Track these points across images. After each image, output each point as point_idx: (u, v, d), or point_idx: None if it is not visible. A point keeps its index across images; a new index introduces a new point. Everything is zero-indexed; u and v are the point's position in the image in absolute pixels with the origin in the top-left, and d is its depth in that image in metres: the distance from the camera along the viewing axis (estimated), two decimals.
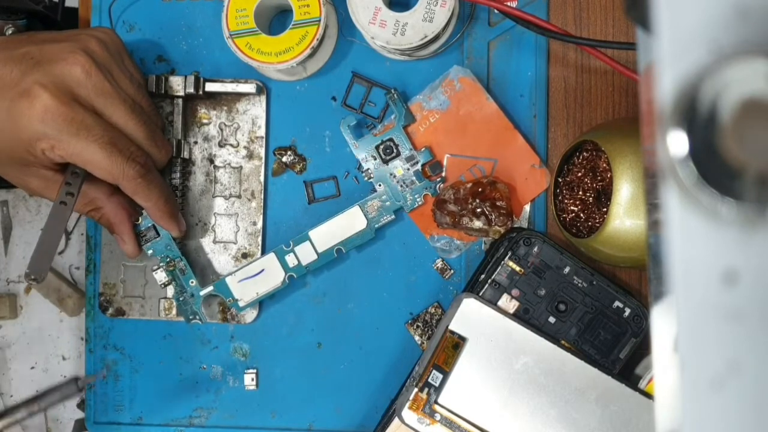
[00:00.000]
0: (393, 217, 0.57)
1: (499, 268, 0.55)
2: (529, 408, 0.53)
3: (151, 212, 0.55)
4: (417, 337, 0.58)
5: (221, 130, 0.59)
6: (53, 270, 0.62)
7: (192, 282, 0.58)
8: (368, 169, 0.58)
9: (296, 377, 0.59)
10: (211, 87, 0.58)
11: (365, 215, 0.57)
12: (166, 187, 0.55)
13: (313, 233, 0.57)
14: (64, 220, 0.51)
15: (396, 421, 0.54)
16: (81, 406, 0.62)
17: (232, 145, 0.59)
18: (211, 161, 0.59)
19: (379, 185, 0.57)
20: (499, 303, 0.55)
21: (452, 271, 0.58)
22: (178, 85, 0.58)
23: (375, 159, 0.57)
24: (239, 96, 0.59)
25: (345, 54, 0.59)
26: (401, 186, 0.57)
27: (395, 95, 0.57)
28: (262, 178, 0.59)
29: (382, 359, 0.58)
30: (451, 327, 0.53)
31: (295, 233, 0.58)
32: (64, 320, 0.63)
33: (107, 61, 0.51)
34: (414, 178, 0.57)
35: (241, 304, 0.57)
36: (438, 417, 0.53)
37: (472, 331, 0.53)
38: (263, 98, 0.59)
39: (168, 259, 0.57)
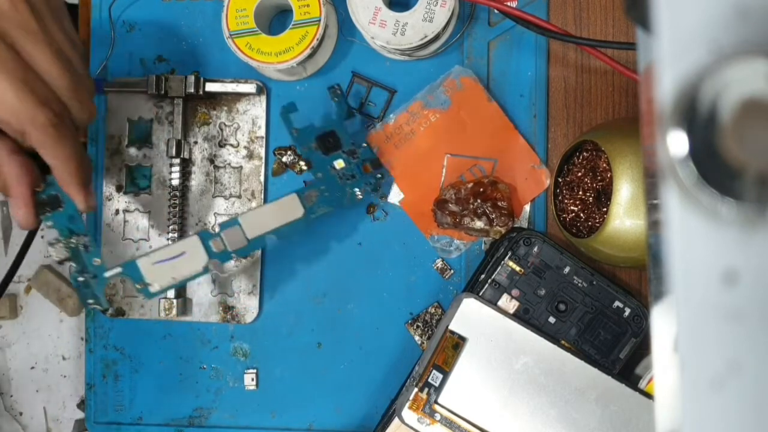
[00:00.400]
0: (331, 208, 0.55)
1: (499, 268, 0.55)
2: (529, 408, 0.53)
3: (58, 173, 0.48)
4: (417, 337, 0.58)
5: (221, 130, 0.59)
6: (53, 270, 0.62)
7: (96, 261, 0.51)
8: (308, 159, 0.56)
9: (296, 377, 0.59)
10: (211, 87, 0.58)
11: (303, 204, 0.55)
12: (80, 148, 0.48)
13: (244, 218, 0.54)
14: None
15: (396, 421, 0.54)
16: (81, 406, 0.62)
17: (232, 145, 0.59)
18: (211, 161, 0.59)
19: (319, 175, 0.56)
20: (499, 303, 0.55)
21: (452, 271, 0.58)
22: (178, 85, 0.58)
23: (316, 150, 0.56)
24: (239, 96, 0.59)
25: (345, 54, 0.59)
26: (341, 178, 0.56)
27: (338, 91, 0.56)
28: (262, 178, 0.59)
29: (382, 359, 0.58)
30: (451, 327, 0.53)
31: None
32: (64, 320, 0.63)
33: (41, 5, 0.45)
34: (355, 171, 0.56)
35: (152, 289, 0.52)
36: (438, 417, 0.53)
37: (472, 331, 0.53)
38: (263, 98, 0.59)
39: (70, 233, 0.51)
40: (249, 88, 0.58)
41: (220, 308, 0.59)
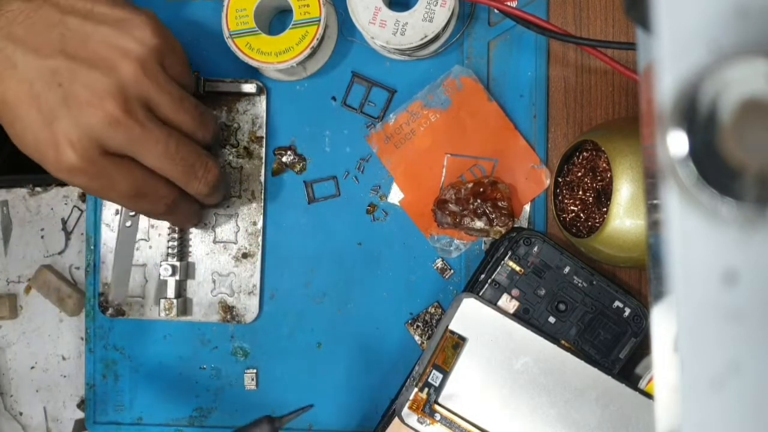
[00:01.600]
0: None
1: (499, 268, 0.55)
2: (529, 408, 0.53)
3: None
4: (417, 337, 0.58)
5: (221, 130, 0.59)
6: (53, 270, 0.62)
7: None
8: None
9: (296, 377, 0.59)
10: (211, 87, 0.58)
11: None
12: (191, 213, 0.56)
13: None
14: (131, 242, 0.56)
15: (396, 421, 0.54)
16: (81, 406, 0.62)
17: (232, 145, 0.59)
18: None
19: None
20: (499, 303, 0.55)
21: (452, 271, 0.58)
22: None
23: None
24: (239, 96, 0.59)
25: (345, 54, 0.59)
26: None
27: None
28: (262, 178, 0.59)
29: (382, 359, 0.58)
30: (451, 327, 0.53)
31: (295, 233, 0.59)
32: (64, 320, 0.63)
33: (144, 91, 0.47)
34: None
35: None
36: (438, 417, 0.53)
37: (472, 331, 0.53)
38: (263, 98, 0.59)
39: None
40: (249, 88, 0.58)
41: (220, 308, 0.59)
